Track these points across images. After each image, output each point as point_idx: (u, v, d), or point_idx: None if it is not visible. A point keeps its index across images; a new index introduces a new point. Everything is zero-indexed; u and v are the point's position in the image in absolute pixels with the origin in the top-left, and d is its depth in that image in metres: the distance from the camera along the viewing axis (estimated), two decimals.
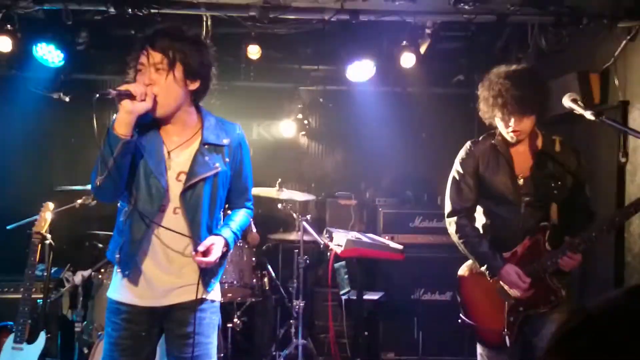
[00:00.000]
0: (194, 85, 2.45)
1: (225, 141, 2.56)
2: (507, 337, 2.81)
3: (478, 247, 2.92)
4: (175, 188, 2.45)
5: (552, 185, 2.85)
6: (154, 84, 2.36)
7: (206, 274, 2.52)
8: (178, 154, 2.48)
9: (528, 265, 2.81)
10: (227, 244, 2.52)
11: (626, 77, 3.89)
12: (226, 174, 2.56)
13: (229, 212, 2.77)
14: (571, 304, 2.85)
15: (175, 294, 2.51)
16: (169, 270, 2.50)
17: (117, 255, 2.48)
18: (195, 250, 2.42)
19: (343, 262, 4.95)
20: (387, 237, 5.08)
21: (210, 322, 2.58)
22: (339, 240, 3.97)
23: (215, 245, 2.46)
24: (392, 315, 5.09)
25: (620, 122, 3.73)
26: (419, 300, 5.12)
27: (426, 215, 5.30)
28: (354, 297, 4.56)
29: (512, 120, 2.79)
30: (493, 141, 2.97)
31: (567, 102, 2.77)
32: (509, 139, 2.89)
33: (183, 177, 2.45)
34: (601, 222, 2.73)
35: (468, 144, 3.08)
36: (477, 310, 3.01)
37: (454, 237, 3.04)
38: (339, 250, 3.94)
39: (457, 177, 3.05)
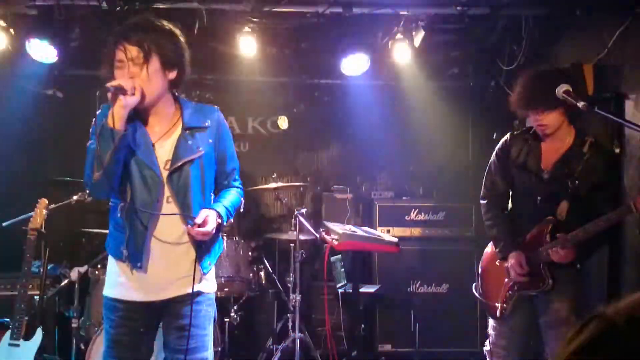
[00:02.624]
0: (172, 75, 2.49)
1: (207, 123, 2.60)
2: (499, 309, 3.18)
3: (495, 231, 3.26)
4: (165, 177, 2.48)
5: (569, 184, 3.00)
6: (135, 77, 2.39)
7: (201, 253, 2.54)
8: (162, 144, 2.52)
9: (531, 252, 3.08)
10: (220, 216, 2.53)
11: (620, 68, 3.90)
12: (211, 155, 2.60)
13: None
14: (572, 296, 3.06)
15: (173, 287, 2.52)
16: (166, 263, 2.51)
17: (125, 251, 2.49)
18: (190, 224, 2.44)
19: (339, 256, 4.96)
20: (383, 231, 5.09)
21: (206, 314, 2.59)
22: (335, 233, 3.98)
23: (209, 216, 2.47)
24: (388, 308, 5.11)
25: (614, 113, 3.74)
26: (415, 293, 5.14)
27: (422, 208, 5.31)
28: (350, 291, 4.58)
29: (537, 114, 2.99)
30: (527, 135, 3.19)
31: (559, 93, 2.78)
32: (538, 131, 3.10)
33: (169, 166, 2.49)
34: (589, 225, 2.85)
35: (507, 135, 3.31)
36: (487, 283, 3.37)
37: (483, 217, 3.38)
38: (335, 243, 3.94)
39: (492, 166, 3.34)
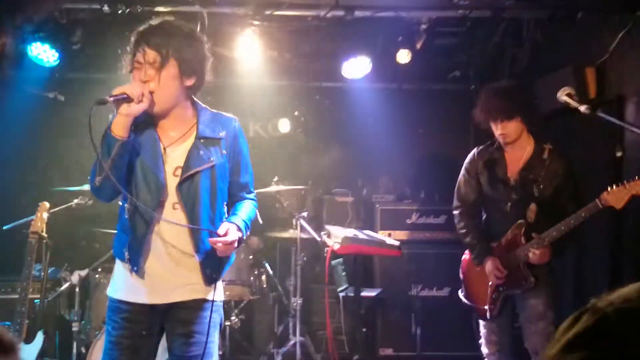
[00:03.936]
0: (190, 81, 2.45)
1: (222, 134, 2.56)
2: (488, 311, 3.37)
3: (469, 238, 3.47)
4: (172, 183, 2.46)
5: (534, 188, 3.27)
6: (150, 80, 2.36)
7: (207, 268, 2.50)
8: (174, 149, 2.49)
9: (508, 255, 3.31)
10: (239, 229, 2.49)
11: (622, 71, 3.90)
12: (224, 166, 2.56)
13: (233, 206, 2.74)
14: (547, 292, 3.28)
15: (178, 292, 2.50)
16: (171, 267, 2.49)
17: (126, 253, 2.48)
18: (212, 235, 2.43)
19: (340, 259, 4.95)
20: (384, 234, 5.08)
21: (212, 321, 2.56)
22: (336, 237, 3.97)
23: (230, 229, 2.44)
24: (389, 311, 5.10)
25: (615, 116, 3.73)
26: (417, 296, 5.12)
27: (423, 211, 5.30)
28: (352, 294, 4.57)
29: (498, 124, 3.27)
30: (492, 147, 3.45)
31: (562, 96, 2.79)
32: (500, 140, 3.35)
33: (180, 172, 2.46)
34: (560, 224, 3.08)
35: (474, 150, 3.56)
36: (472, 288, 3.57)
37: (457, 227, 3.58)
38: (336, 247, 3.94)
39: (462, 179, 3.56)
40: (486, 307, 3.39)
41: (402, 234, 5.21)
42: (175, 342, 2.54)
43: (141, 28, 2.43)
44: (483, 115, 3.35)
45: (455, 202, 3.58)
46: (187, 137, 2.52)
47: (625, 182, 2.90)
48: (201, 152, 2.48)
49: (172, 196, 2.46)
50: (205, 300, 2.53)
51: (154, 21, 2.47)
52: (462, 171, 3.57)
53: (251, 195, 2.76)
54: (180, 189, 2.45)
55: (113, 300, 2.53)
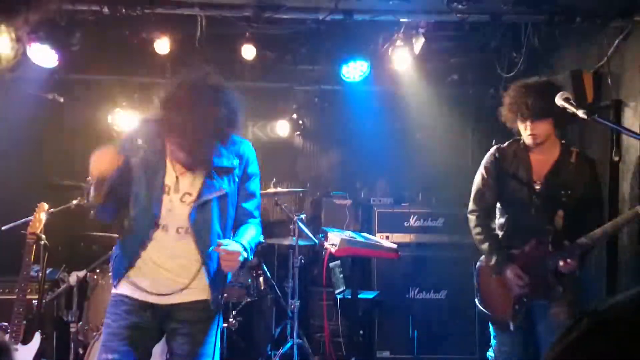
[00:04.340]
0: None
1: (235, 162, 2.63)
2: (510, 322, 3.15)
3: (488, 245, 3.25)
4: (179, 208, 2.53)
5: (562, 193, 3.10)
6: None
7: (214, 291, 2.59)
8: (185, 176, 2.57)
9: (533, 263, 3.09)
10: (245, 249, 2.52)
11: (619, 76, 3.91)
12: (235, 193, 2.65)
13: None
14: (570, 301, 3.10)
15: (178, 295, 2.55)
16: (169, 284, 2.55)
17: (123, 271, 2.57)
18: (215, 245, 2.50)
19: (338, 262, 4.96)
20: (382, 237, 5.09)
21: (213, 322, 2.61)
22: (334, 239, 3.98)
23: (233, 244, 2.49)
24: (387, 314, 5.10)
25: (613, 121, 3.75)
26: (414, 299, 5.13)
27: (421, 214, 5.32)
28: (349, 297, 4.58)
29: (528, 124, 3.07)
30: (515, 147, 3.25)
31: (559, 101, 2.79)
32: (527, 142, 3.16)
33: (187, 198, 2.54)
34: (596, 232, 2.95)
35: (493, 148, 3.35)
36: (490, 298, 3.33)
37: (472, 232, 3.37)
38: (333, 249, 3.95)
39: (481, 179, 3.35)
40: (508, 317, 3.18)
41: (400, 237, 5.22)
42: (175, 342, 2.58)
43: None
44: (512, 113, 3.13)
45: (472, 205, 3.37)
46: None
47: None
48: (214, 181, 2.56)
49: (178, 221, 2.53)
50: (205, 301, 2.57)
51: (187, 77, 2.58)
52: (481, 171, 3.35)
53: (257, 221, 2.78)
54: (193, 218, 2.52)
55: (115, 294, 2.59)
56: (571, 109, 2.74)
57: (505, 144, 3.33)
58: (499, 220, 3.34)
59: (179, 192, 2.54)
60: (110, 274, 4.13)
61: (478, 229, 3.32)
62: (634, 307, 0.78)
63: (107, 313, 2.60)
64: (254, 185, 2.74)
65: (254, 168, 2.73)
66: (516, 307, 3.16)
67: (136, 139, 2.51)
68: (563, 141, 3.24)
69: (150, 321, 2.56)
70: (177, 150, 2.48)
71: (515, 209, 3.24)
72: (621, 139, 3.86)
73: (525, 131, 3.11)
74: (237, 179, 2.63)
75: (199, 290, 2.56)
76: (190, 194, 2.54)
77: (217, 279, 2.59)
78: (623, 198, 3.83)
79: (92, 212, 2.56)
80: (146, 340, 2.59)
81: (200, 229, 2.53)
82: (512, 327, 3.16)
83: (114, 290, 2.61)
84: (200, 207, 2.53)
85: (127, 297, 2.55)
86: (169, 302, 2.55)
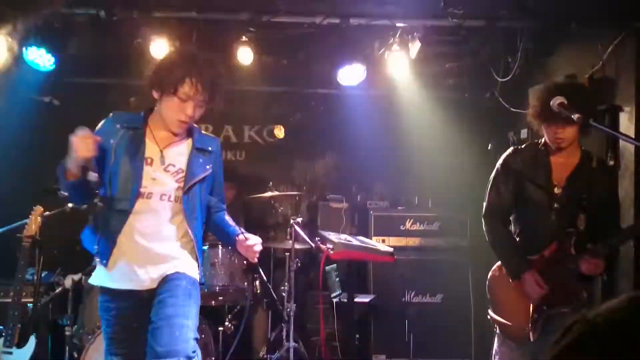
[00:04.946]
0: None
1: (210, 149, 2.80)
2: (530, 333, 2.96)
3: (505, 251, 3.12)
4: (163, 177, 2.63)
5: (584, 197, 3.02)
6: (193, 118, 2.63)
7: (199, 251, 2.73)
8: (169, 149, 2.67)
9: (554, 267, 2.97)
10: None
11: (614, 80, 3.93)
12: (212, 177, 2.80)
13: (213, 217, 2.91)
14: (591, 308, 2.93)
15: (157, 280, 2.60)
16: (145, 259, 2.60)
17: (96, 247, 2.63)
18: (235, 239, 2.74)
19: (334, 265, 4.96)
20: (378, 240, 5.10)
21: (185, 288, 2.59)
22: (330, 243, 3.98)
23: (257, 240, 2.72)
24: (383, 317, 5.11)
25: (608, 125, 3.76)
26: (410, 303, 5.14)
27: (417, 218, 5.32)
28: (345, 300, 4.57)
29: (555, 127, 2.95)
30: (534, 150, 3.14)
31: (555, 105, 2.80)
32: (553, 145, 3.05)
33: (172, 169, 2.65)
34: (624, 231, 2.95)
35: (511, 149, 3.23)
36: (504, 307, 3.15)
37: (487, 236, 3.20)
38: (330, 253, 3.95)
39: (497, 180, 3.19)
40: (526, 328, 2.98)
41: (396, 241, 5.23)
42: (151, 312, 2.53)
43: (191, 56, 2.68)
44: (542, 114, 2.99)
45: (488, 206, 3.18)
46: (182, 143, 2.73)
47: None
48: (200, 160, 2.72)
49: (162, 188, 2.62)
50: (179, 273, 2.62)
51: (202, 55, 2.72)
52: (498, 169, 3.19)
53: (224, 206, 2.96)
54: (186, 196, 2.65)
55: (100, 293, 2.67)
56: (566, 113, 2.75)
57: (523, 146, 3.22)
58: (516, 224, 3.21)
59: (164, 163, 2.64)
60: None
61: (493, 233, 3.16)
62: (625, 313, 0.79)
63: (100, 317, 2.70)
64: (222, 177, 2.90)
65: (221, 160, 2.90)
66: (535, 317, 2.98)
67: (115, 124, 2.67)
68: (582, 147, 3.14)
69: (138, 316, 2.58)
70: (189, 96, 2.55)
71: (533, 214, 3.11)
72: (616, 143, 3.87)
73: (551, 134, 2.99)
74: (209, 165, 2.76)
75: (175, 265, 2.62)
76: (173, 165, 2.65)
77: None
78: (619, 202, 3.83)
79: (61, 192, 2.61)
80: (142, 335, 2.54)
81: (191, 207, 2.66)
82: (532, 338, 2.96)
83: (91, 282, 2.71)
84: (190, 189, 2.66)
85: (107, 290, 2.61)
86: (149, 287, 2.59)
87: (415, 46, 4.53)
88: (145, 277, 2.59)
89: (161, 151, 2.65)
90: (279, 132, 6.06)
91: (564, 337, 0.81)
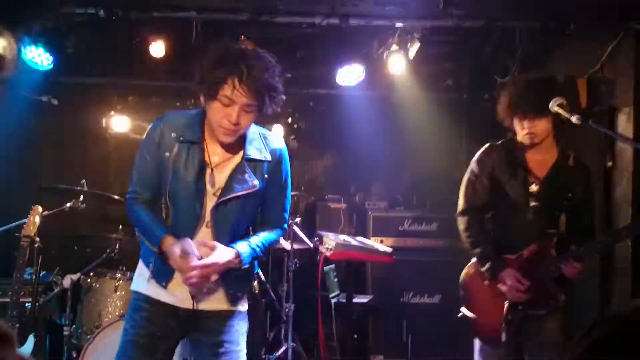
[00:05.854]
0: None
1: (267, 157, 2.47)
2: (503, 333, 2.89)
3: (480, 248, 3.05)
4: (211, 203, 2.40)
5: (564, 195, 2.97)
6: (240, 126, 2.31)
7: (230, 289, 2.49)
8: (222, 170, 2.42)
9: (533, 269, 2.91)
10: (238, 256, 2.37)
11: (613, 81, 3.94)
12: (262, 191, 2.46)
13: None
14: (567, 313, 2.96)
15: (203, 301, 2.45)
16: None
17: (152, 266, 2.45)
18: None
19: (332, 266, 4.96)
20: (376, 240, 5.10)
21: (238, 329, 2.55)
22: (329, 243, 3.99)
23: (219, 250, 2.33)
24: (381, 318, 5.11)
25: (606, 126, 3.77)
26: (408, 303, 5.14)
27: (415, 218, 5.32)
28: (344, 300, 4.58)
29: (526, 121, 2.89)
30: (510, 146, 3.07)
31: (553, 106, 2.80)
32: (524, 141, 2.96)
33: (218, 192, 2.40)
34: (608, 234, 2.97)
35: (486, 145, 3.16)
36: (478, 306, 3.12)
37: (462, 235, 3.14)
38: (328, 253, 3.95)
39: (472, 177, 3.14)
40: (500, 328, 2.90)
41: (394, 241, 5.23)
42: (203, 353, 2.50)
43: (237, 58, 2.33)
44: (510, 109, 2.94)
45: (462, 205, 3.14)
46: (234, 156, 2.44)
47: None
48: (246, 175, 2.41)
49: (207, 215, 2.41)
50: (231, 310, 2.51)
51: (252, 57, 2.40)
52: (472, 168, 3.14)
53: (284, 225, 2.65)
54: (216, 208, 2.39)
55: (137, 296, 2.48)
56: (565, 114, 2.75)
57: (499, 142, 3.14)
58: (492, 224, 3.15)
59: (215, 186, 2.40)
60: (105, 277, 4.19)
61: (469, 231, 3.09)
62: None
63: (127, 315, 2.52)
64: (287, 185, 2.58)
65: (286, 165, 2.56)
66: (509, 317, 2.90)
67: (170, 133, 2.37)
68: (559, 144, 3.07)
69: (168, 327, 2.45)
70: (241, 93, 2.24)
71: (510, 211, 3.03)
72: (614, 145, 3.88)
73: (523, 130, 2.91)
74: (267, 175, 2.45)
75: (222, 299, 2.48)
76: (222, 188, 2.39)
77: (231, 278, 2.44)
78: (616, 204, 3.85)
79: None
80: (162, 348, 2.47)
81: (220, 223, 2.39)
82: (503, 338, 2.89)
83: (134, 288, 2.51)
84: (225, 201, 2.38)
85: (147, 299, 2.45)
86: (190, 307, 2.43)
87: (414, 46, 4.53)
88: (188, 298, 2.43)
89: (212, 170, 2.40)
90: (277, 132, 6.05)
91: (588, 335, 0.81)
